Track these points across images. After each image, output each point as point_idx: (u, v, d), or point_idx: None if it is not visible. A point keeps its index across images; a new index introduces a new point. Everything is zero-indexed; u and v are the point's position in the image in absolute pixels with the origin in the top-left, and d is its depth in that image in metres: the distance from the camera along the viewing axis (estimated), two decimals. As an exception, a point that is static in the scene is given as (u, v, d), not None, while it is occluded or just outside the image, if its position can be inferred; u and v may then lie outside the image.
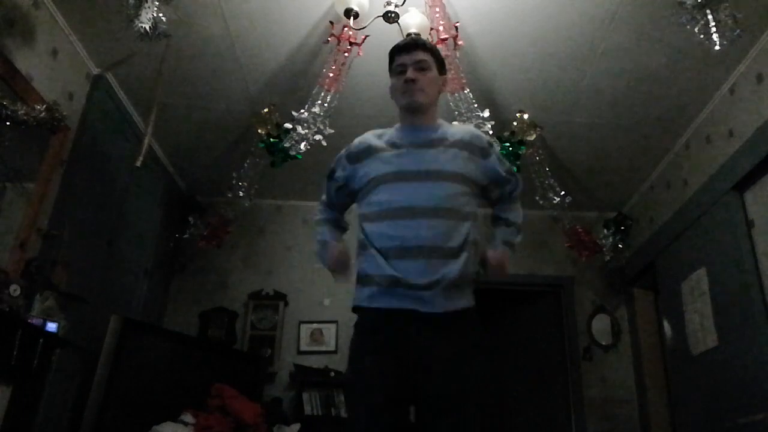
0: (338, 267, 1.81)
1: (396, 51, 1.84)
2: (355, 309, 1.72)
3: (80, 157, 3.18)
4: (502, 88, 3.47)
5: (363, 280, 1.70)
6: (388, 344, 1.60)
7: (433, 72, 1.82)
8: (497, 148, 1.91)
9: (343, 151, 1.92)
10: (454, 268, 1.62)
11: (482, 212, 1.82)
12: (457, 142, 1.77)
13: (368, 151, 1.81)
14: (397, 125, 1.87)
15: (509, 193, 1.91)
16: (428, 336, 1.59)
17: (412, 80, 1.75)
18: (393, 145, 1.79)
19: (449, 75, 2.93)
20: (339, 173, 1.90)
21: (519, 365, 5.00)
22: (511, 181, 1.90)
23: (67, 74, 3.09)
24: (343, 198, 1.93)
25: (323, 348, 4.47)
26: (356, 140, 1.90)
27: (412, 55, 1.79)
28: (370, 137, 1.86)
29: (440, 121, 1.87)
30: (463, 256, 1.65)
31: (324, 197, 1.98)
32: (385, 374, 1.57)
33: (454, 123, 1.92)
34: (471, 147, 1.79)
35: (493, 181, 1.85)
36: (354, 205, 1.91)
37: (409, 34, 2.68)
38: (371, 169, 1.77)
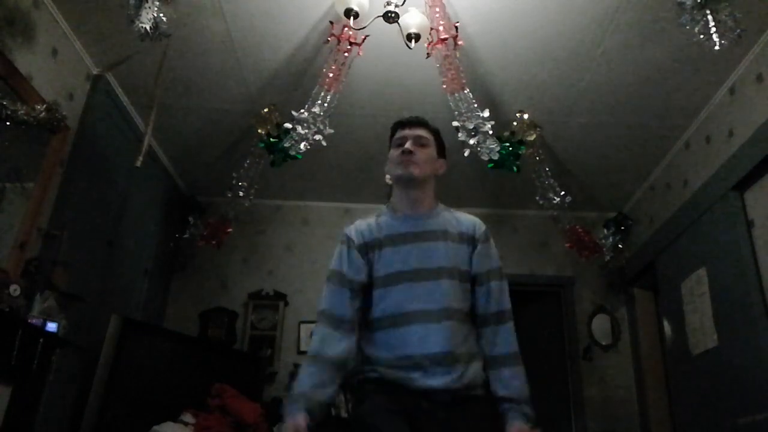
0: None
1: (398, 125, 1.83)
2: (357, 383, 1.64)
3: (80, 157, 3.18)
4: (502, 88, 3.47)
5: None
6: (397, 405, 1.53)
7: (432, 150, 1.79)
8: (491, 243, 1.77)
9: (340, 245, 1.73)
10: (467, 374, 1.57)
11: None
12: (456, 236, 1.71)
13: (372, 245, 1.69)
14: (388, 211, 1.79)
15: (493, 314, 1.70)
16: (437, 411, 1.54)
17: (410, 152, 1.72)
18: (393, 237, 1.69)
19: (449, 75, 2.94)
20: (349, 265, 1.67)
21: (519, 365, 5.00)
22: (492, 290, 1.69)
23: (67, 74, 3.09)
24: (352, 298, 1.65)
25: (323, 348, 4.46)
26: (353, 230, 1.74)
27: (414, 130, 1.79)
28: (368, 227, 1.74)
29: (438, 206, 1.81)
30: (475, 363, 1.61)
31: (322, 304, 1.67)
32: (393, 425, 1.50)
33: (453, 213, 1.82)
34: (468, 238, 1.73)
35: (473, 274, 1.70)
36: None
37: (409, 35, 2.68)
38: (378, 266, 1.65)
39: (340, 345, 1.58)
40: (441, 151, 1.84)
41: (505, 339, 1.70)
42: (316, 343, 1.62)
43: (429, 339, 1.55)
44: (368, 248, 1.69)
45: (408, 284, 1.62)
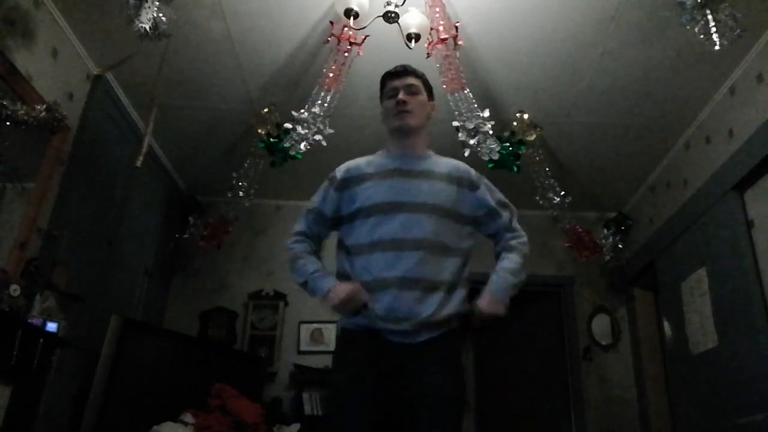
0: (349, 306, 1.66)
1: (387, 76, 1.89)
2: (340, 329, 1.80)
3: (80, 157, 3.18)
4: (502, 88, 3.47)
5: None
6: (369, 356, 1.66)
7: (423, 96, 1.87)
8: (486, 181, 1.91)
9: (326, 182, 1.89)
10: (442, 303, 1.66)
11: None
12: (445, 176, 1.81)
13: (357, 179, 1.81)
14: (383, 152, 1.89)
15: (506, 225, 1.90)
16: (408, 354, 1.65)
17: (404, 102, 1.81)
18: (381, 173, 1.80)
19: (449, 75, 2.94)
20: (325, 205, 1.85)
21: (519, 365, 5.00)
22: (503, 212, 1.88)
23: (67, 74, 3.09)
24: (323, 230, 1.89)
25: (323, 348, 4.47)
26: (343, 167, 1.88)
27: (403, 79, 1.85)
28: (358, 164, 1.87)
29: (429, 151, 1.90)
30: (456, 293, 1.71)
31: (299, 227, 1.91)
32: (364, 381, 1.63)
33: (442, 158, 1.91)
34: (459, 180, 1.82)
35: (485, 213, 1.86)
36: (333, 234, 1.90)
37: (409, 35, 2.68)
38: (360, 198, 1.77)
39: (311, 245, 1.89)
40: (430, 93, 1.93)
41: (516, 254, 1.88)
42: (298, 246, 1.88)
43: (400, 263, 1.65)
44: (350, 182, 1.81)
45: (386, 215, 1.71)
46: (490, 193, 1.87)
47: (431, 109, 1.91)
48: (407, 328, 1.63)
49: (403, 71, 1.88)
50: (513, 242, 1.89)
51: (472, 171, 1.89)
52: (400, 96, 1.81)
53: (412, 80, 1.85)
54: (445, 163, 1.86)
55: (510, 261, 1.85)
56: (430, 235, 1.69)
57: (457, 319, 1.72)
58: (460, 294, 1.73)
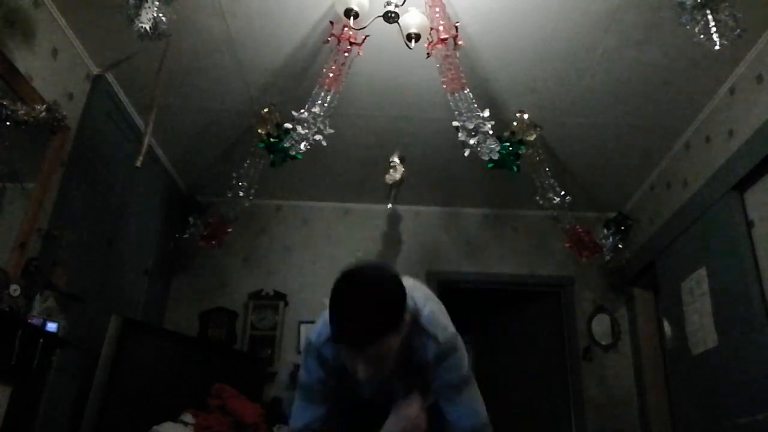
0: None
1: (341, 339, 1.38)
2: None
3: (80, 157, 3.18)
4: (502, 88, 3.47)
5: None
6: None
7: (393, 350, 1.39)
8: (455, 357, 1.53)
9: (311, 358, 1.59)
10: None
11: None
12: (418, 371, 1.54)
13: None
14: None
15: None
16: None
17: (369, 380, 1.44)
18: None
19: (449, 75, 2.94)
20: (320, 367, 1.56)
21: (519, 365, 5.00)
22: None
23: (67, 74, 3.09)
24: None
25: (323, 348, 4.46)
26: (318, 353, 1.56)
27: (364, 352, 1.35)
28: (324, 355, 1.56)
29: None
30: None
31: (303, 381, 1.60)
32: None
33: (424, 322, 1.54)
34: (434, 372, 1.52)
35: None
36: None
37: (409, 35, 2.68)
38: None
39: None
40: (399, 322, 1.39)
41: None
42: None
43: None
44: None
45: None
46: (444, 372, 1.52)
47: (406, 328, 1.43)
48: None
49: (363, 342, 1.33)
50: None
51: (450, 357, 1.52)
52: (362, 376, 1.38)
53: (376, 349, 1.34)
54: (423, 354, 1.51)
55: None
56: None
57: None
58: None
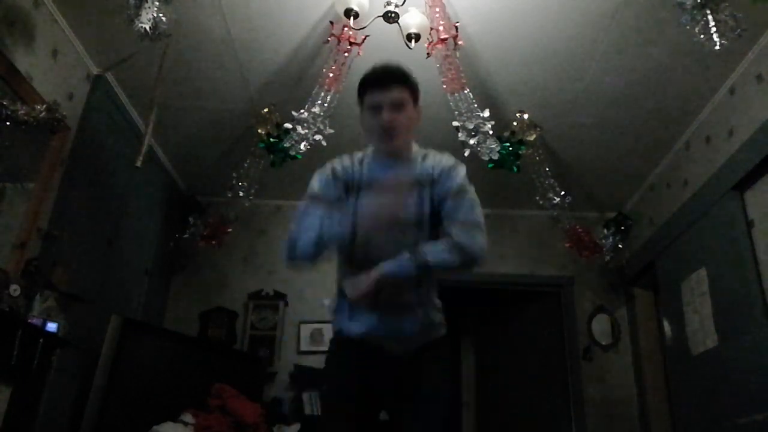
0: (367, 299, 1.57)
1: (368, 84, 1.65)
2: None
3: (80, 157, 3.18)
4: (502, 88, 3.47)
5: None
6: (360, 361, 1.66)
7: (410, 109, 1.65)
8: (453, 174, 1.69)
9: (327, 174, 1.75)
10: (417, 322, 1.66)
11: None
12: (426, 180, 1.67)
13: (352, 186, 1.70)
14: (371, 155, 1.74)
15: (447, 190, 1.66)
16: (399, 363, 1.66)
17: (390, 125, 1.60)
18: (365, 183, 1.68)
19: (449, 75, 2.94)
20: (331, 192, 1.70)
21: (519, 365, 5.00)
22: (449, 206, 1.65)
23: (67, 74, 3.09)
24: (339, 193, 1.69)
25: (323, 348, 4.43)
26: (338, 166, 1.74)
27: (388, 93, 1.61)
28: (352, 166, 1.74)
29: (415, 150, 1.73)
30: (424, 309, 1.69)
31: (313, 190, 1.71)
32: (355, 385, 1.65)
33: (431, 152, 1.75)
34: (429, 182, 1.68)
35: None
36: None
37: (409, 35, 2.68)
38: (345, 210, 1.67)
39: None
40: (417, 98, 1.69)
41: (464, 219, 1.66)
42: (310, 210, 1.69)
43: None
44: (348, 188, 1.71)
45: (370, 232, 1.62)
46: (452, 186, 1.67)
47: (418, 116, 1.71)
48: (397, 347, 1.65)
49: (388, 80, 1.62)
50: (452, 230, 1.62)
51: (456, 174, 1.69)
52: (385, 117, 1.59)
53: (397, 93, 1.61)
54: (429, 164, 1.71)
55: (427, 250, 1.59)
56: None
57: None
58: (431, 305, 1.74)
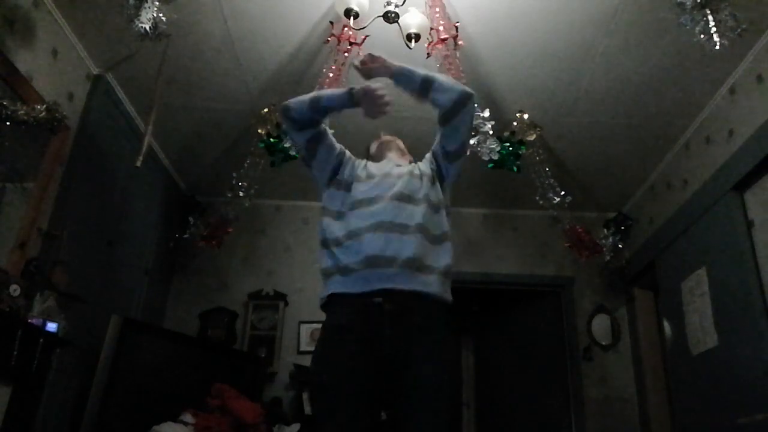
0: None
1: None
2: (325, 305, 1.78)
3: (80, 157, 3.18)
4: (502, 88, 3.47)
5: (329, 272, 1.78)
6: (360, 343, 1.64)
7: None
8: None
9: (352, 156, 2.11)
10: (412, 245, 1.72)
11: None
12: (417, 169, 1.99)
13: (358, 174, 1.98)
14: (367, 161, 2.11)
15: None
16: (400, 333, 1.64)
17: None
18: (363, 177, 1.96)
19: (449, 75, 2.93)
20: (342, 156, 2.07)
21: (519, 365, 5.00)
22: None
23: (67, 74, 3.09)
24: (323, 154, 2.05)
25: (323, 348, 4.46)
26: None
27: None
28: (351, 157, 2.13)
29: (410, 159, 2.19)
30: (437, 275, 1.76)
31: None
32: (356, 374, 1.62)
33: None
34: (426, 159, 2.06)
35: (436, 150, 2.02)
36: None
37: (409, 35, 2.68)
38: (354, 187, 1.92)
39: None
40: None
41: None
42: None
43: (391, 245, 1.70)
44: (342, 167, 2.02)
45: (374, 206, 1.81)
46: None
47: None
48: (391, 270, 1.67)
49: None
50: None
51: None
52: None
53: None
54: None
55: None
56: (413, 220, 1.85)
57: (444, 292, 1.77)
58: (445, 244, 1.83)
